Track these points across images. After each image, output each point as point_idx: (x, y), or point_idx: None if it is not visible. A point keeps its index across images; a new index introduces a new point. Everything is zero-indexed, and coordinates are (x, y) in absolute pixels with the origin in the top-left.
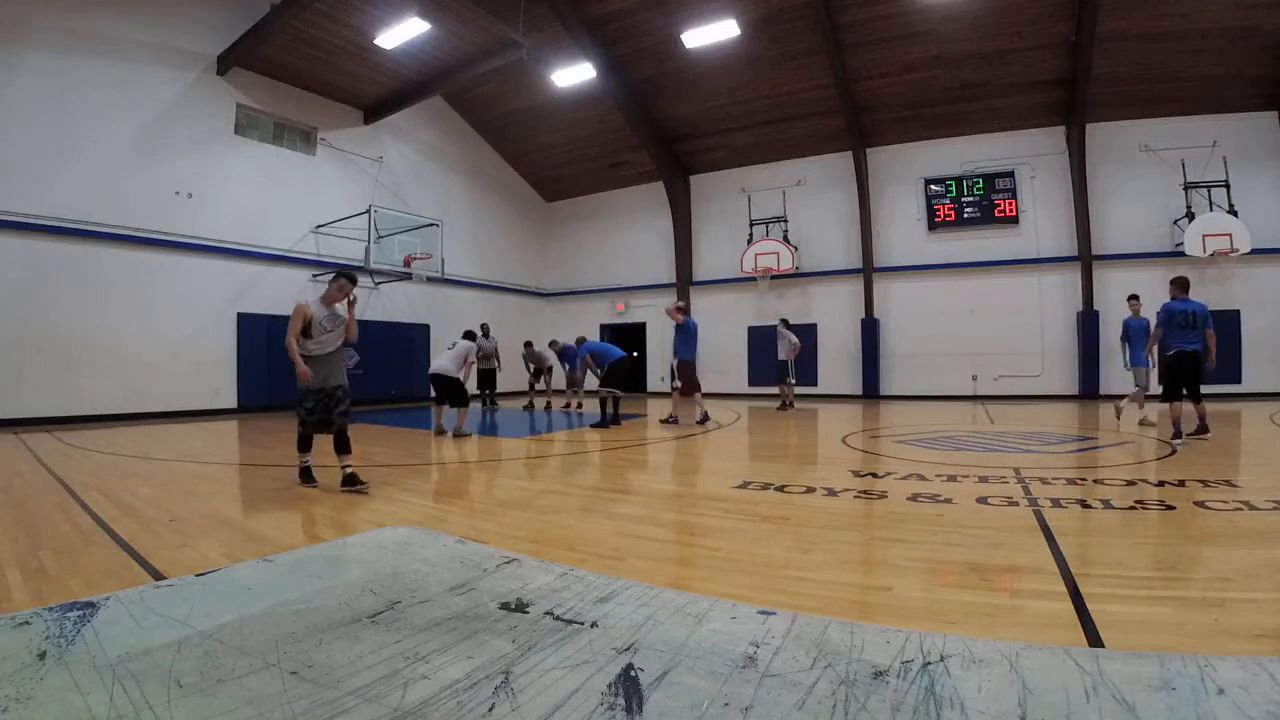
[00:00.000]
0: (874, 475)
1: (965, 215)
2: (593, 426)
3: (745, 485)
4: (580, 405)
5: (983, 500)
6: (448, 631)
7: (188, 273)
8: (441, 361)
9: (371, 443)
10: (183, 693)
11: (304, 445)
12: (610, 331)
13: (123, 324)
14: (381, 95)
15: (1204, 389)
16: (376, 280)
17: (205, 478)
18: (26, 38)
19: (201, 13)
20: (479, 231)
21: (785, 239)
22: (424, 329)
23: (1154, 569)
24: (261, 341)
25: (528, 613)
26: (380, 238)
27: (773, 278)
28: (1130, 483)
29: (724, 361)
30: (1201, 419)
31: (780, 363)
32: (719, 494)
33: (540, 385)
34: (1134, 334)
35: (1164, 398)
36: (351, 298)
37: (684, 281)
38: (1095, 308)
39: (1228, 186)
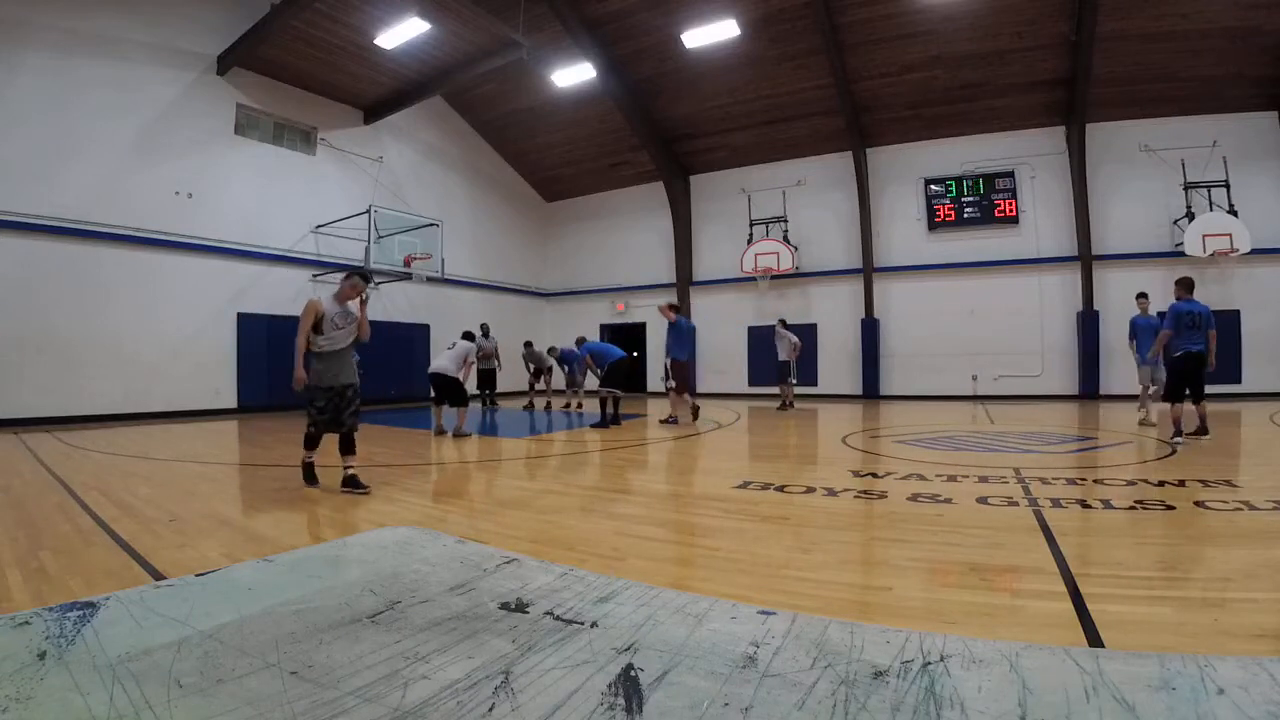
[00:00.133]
0: (874, 475)
1: (965, 215)
2: (593, 426)
3: (745, 485)
4: (580, 405)
5: (983, 500)
6: (448, 631)
7: (188, 273)
8: (441, 361)
9: (371, 443)
10: (183, 693)
11: (311, 443)
12: (610, 331)
13: (123, 324)
14: (381, 95)
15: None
16: (376, 280)
17: (205, 478)
18: (26, 38)
19: (201, 13)
20: (479, 231)
21: (785, 239)
22: (424, 329)
23: (1154, 569)
24: (261, 341)
25: (528, 613)
26: (380, 238)
27: (773, 278)
28: (1130, 483)
29: (724, 361)
30: (1202, 419)
31: (782, 363)
32: (719, 494)
33: (540, 385)
34: (1140, 332)
35: (1167, 398)
36: (364, 296)
37: (684, 281)
38: (1095, 308)
39: (1228, 186)
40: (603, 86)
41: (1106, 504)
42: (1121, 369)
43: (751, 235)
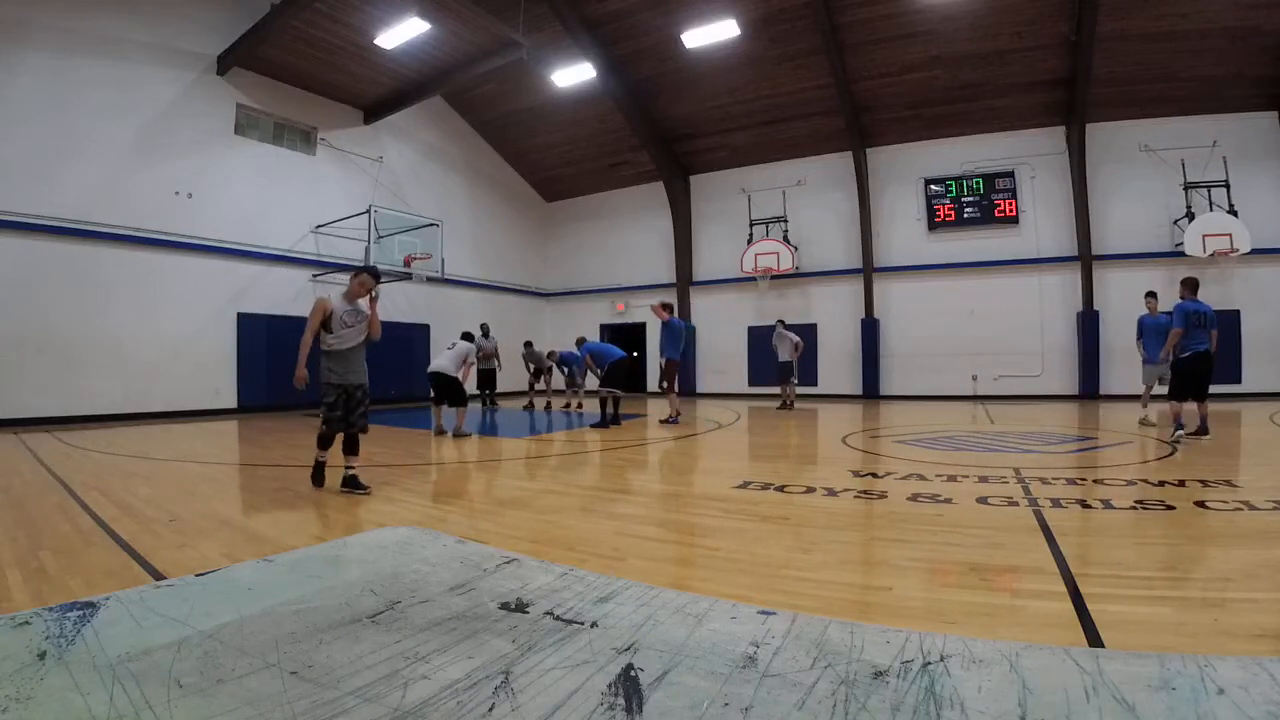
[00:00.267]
0: (874, 475)
1: (965, 215)
2: (593, 426)
3: (745, 485)
4: (580, 405)
5: (983, 500)
6: (448, 631)
7: (188, 273)
8: (440, 361)
9: (371, 443)
10: (183, 693)
11: (324, 443)
12: (610, 331)
13: (123, 324)
14: (381, 95)
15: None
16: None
17: (205, 478)
18: (26, 38)
19: (201, 13)
20: (479, 231)
21: (785, 239)
22: (424, 329)
23: (1154, 569)
24: (261, 341)
25: (528, 613)
26: (380, 238)
27: (773, 278)
28: (1130, 483)
29: (724, 361)
30: (1203, 420)
31: (784, 363)
32: (719, 494)
33: (540, 385)
34: (1147, 332)
35: (1174, 397)
36: (374, 294)
37: (684, 281)
38: (1095, 308)
39: (1228, 186)
40: (603, 86)
41: (1106, 504)
42: (1121, 369)
43: (751, 235)
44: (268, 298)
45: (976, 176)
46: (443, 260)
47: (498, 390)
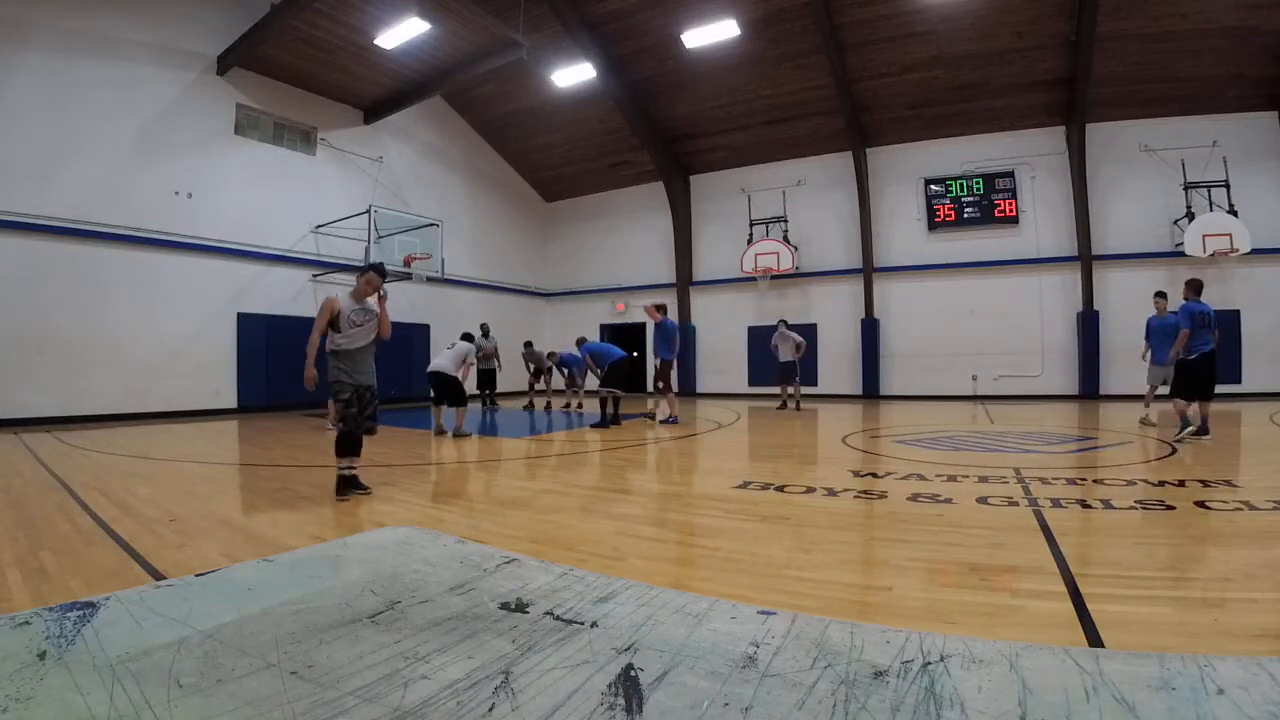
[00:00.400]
0: (874, 475)
1: (965, 215)
2: (593, 426)
3: (745, 485)
4: (580, 405)
5: (983, 500)
6: (448, 631)
7: (188, 273)
8: (440, 360)
9: (371, 443)
10: (183, 693)
11: (349, 447)
12: (610, 331)
13: (123, 324)
14: (381, 95)
15: None
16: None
17: (205, 478)
18: (26, 38)
19: (201, 13)
20: (479, 231)
21: (785, 239)
22: (424, 329)
23: (1154, 569)
24: (261, 341)
25: (528, 613)
26: (380, 238)
27: (773, 278)
28: (1130, 483)
29: (724, 361)
30: (1204, 420)
31: (787, 364)
32: (719, 494)
33: (540, 385)
34: (1154, 333)
35: (1184, 396)
36: (382, 292)
37: (684, 281)
38: (1095, 308)
39: (1228, 186)
40: (603, 86)
41: (1106, 504)
42: (1122, 369)
43: (751, 235)
44: (268, 298)
45: (976, 176)
46: (443, 260)
47: (498, 390)
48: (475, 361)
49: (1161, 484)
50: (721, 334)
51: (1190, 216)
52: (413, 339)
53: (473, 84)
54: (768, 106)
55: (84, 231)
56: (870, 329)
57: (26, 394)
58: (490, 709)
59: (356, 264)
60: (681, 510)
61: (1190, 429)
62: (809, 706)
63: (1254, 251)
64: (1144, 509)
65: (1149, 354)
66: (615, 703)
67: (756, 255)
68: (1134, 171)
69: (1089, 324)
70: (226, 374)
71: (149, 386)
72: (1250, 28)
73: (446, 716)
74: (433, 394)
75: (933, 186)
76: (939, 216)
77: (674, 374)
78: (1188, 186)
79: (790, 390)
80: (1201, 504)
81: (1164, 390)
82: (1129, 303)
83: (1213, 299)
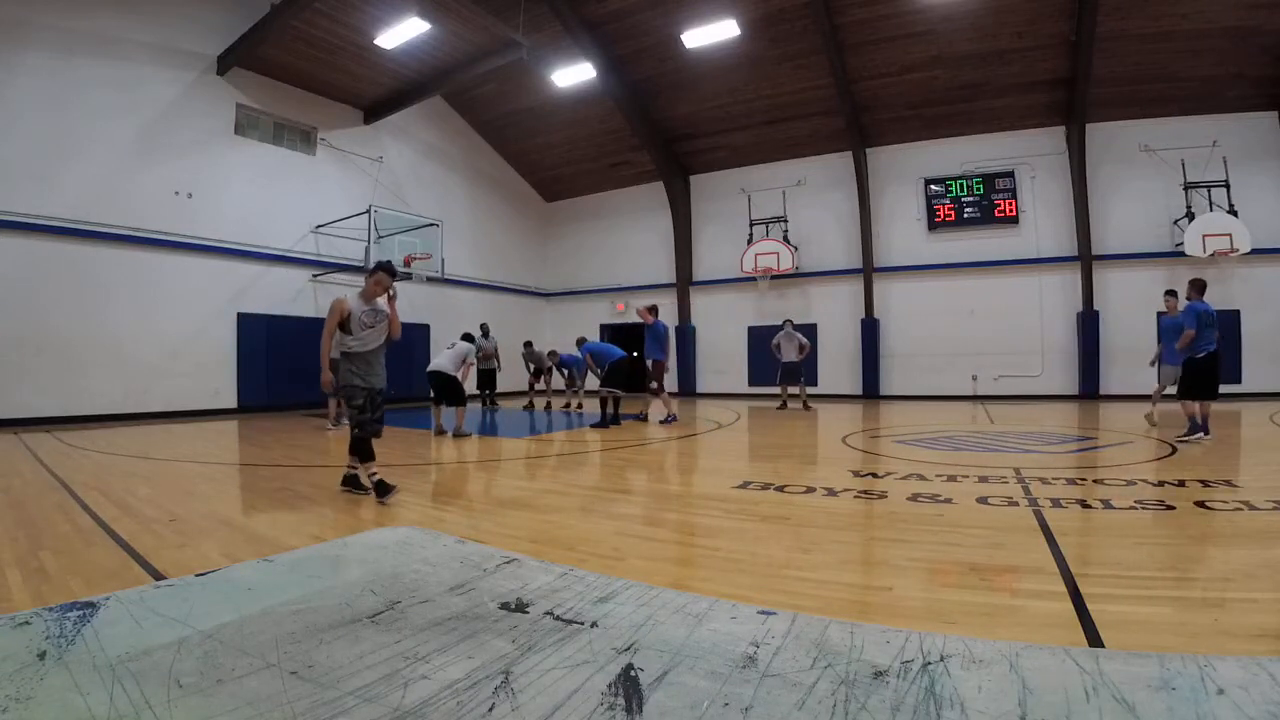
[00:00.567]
0: (874, 475)
1: (965, 215)
2: (593, 426)
3: (745, 485)
4: (580, 405)
5: (983, 500)
6: (448, 631)
7: (188, 273)
8: (440, 360)
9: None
10: (183, 693)
11: (363, 451)
12: (610, 331)
13: (123, 324)
14: (381, 95)
15: None
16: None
17: (205, 478)
18: (26, 38)
19: (201, 13)
20: (479, 231)
21: (785, 239)
22: (424, 329)
23: (1154, 569)
24: (261, 341)
25: (528, 613)
26: (380, 238)
27: (773, 278)
28: (1130, 483)
29: (724, 362)
30: (1205, 419)
31: (790, 364)
32: (719, 494)
33: (540, 385)
34: (1165, 332)
35: (1192, 396)
36: (392, 292)
37: (684, 281)
38: (1095, 308)
39: (1228, 186)
40: (603, 86)
41: (1106, 504)
42: (1122, 369)
43: (751, 235)
44: (268, 298)
45: (976, 176)
46: (443, 260)
47: (498, 390)
48: (475, 361)
49: (1161, 484)
50: (721, 334)
51: (1190, 216)
52: (412, 339)
53: (473, 84)
54: (768, 106)
55: (84, 231)
56: (870, 329)
57: (26, 394)
58: (490, 709)
59: (356, 264)
60: (681, 510)
61: (1198, 434)
62: (809, 706)
63: (1254, 251)
64: (1144, 509)
65: (1161, 352)
66: (615, 703)
67: (756, 255)
68: (1134, 171)
69: (1089, 324)
70: (226, 374)
71: (149, 386)
72: (1250, 28)
73: (446, 716)
74: (432, 394)
75: (933, 186)
76: (939, 216)
77: (667, 374)
78: (1188, 186)
79: (794, 390)
80: (1201, 504)
81: (1172, 390)
82: (1129, 303)
83: (1213, 299)
